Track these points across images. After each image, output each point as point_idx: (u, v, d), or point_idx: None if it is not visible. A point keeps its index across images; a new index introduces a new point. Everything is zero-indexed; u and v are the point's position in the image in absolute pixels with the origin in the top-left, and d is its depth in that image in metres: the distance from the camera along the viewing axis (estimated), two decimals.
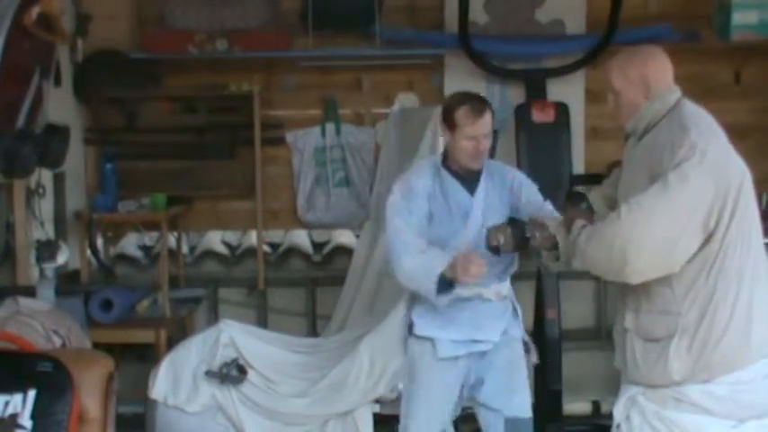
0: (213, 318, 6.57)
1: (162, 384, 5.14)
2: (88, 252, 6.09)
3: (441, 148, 5.62)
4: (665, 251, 3.34)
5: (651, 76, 3.57)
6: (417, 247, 4.02)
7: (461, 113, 4.03)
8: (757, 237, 3.50)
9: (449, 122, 4.08)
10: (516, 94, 6.28)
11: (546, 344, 5.42)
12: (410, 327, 4.32)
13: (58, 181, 5.84)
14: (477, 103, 4.07)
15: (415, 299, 4.28)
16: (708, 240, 3.37)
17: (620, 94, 3.63)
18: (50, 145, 4.90)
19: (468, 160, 4.09)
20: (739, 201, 3.39)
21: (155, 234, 6.70)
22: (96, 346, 4.93)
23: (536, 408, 5.62)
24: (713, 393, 3.43)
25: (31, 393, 3.48)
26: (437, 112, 5.72)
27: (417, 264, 4.00)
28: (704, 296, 3.40)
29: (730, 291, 3.40)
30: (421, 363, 4.27)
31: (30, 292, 4.94)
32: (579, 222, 3.65)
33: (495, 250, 3.91)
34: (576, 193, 4.37)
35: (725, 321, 3.39)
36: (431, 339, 4.24)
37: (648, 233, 3.32)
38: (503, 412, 4.25)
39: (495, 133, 5.78)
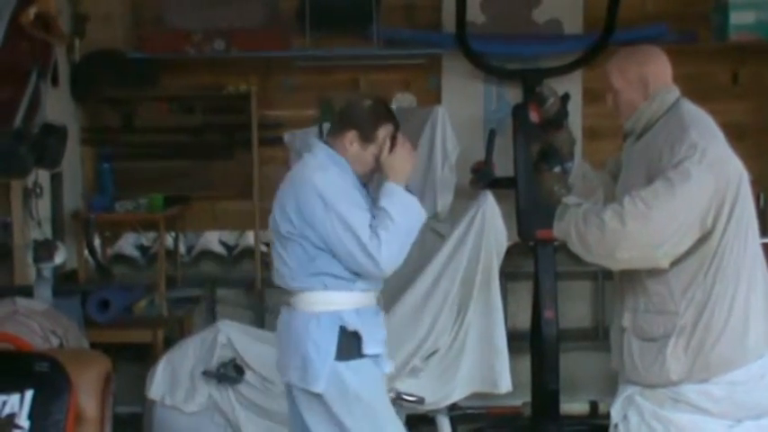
0: (210, 318, 6.55)
1: (159, 384, 5.14)
2: (85, 252, 6.09)
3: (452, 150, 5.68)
4: (657, 245, 3.37)
5: (650, 76, 3.59)
6: None
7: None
8: (754, 236, 3.51)
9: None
10: (514, 95, 6.28)
11: (543, 344, 5.43)
12: None
13: (56, 181, 5.83)
14: None
15: None
16: (705, 239, 3.39)
17: (618, 94, 3.64)
18: (48, 145, 4.88)
19: None
20: (737, 200, 3.40)
21: (152, 234, 6.69)
22: (93, 346, 4.92)
23: (534, 408, 5.65)
24: (710, 393, 3.44)
25: (29, 393, 3.48)
26: (435, 112, 5.77)
27: None
28: (701, 296, 3.41)
29: (728, 290, 3.41)
30: None
31: (27, 292, 4.94)
32: (573, 199, 3.69)
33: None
34: (538, 93, 4.43)
35: (722, 321, 3.40)
36: None
37: (646, 226, 3.35)
38: None
39: (493, 133, 5.83)
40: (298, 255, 3.75)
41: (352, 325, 3.73)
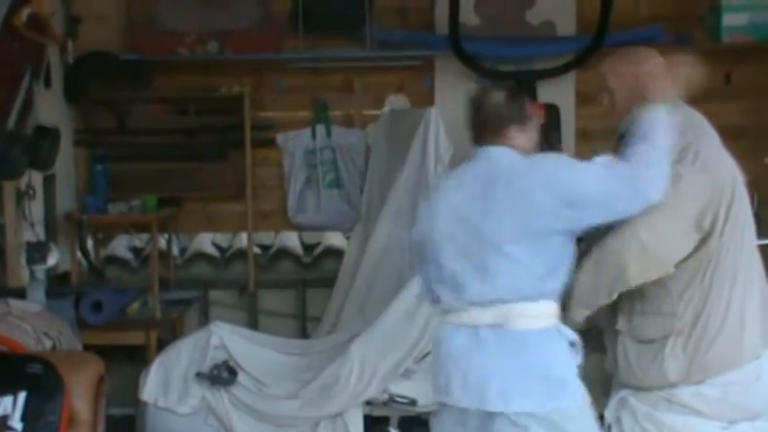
0: (204, 320, 6.56)
1: (152, 386, 5.13)
2: (78, 254, 6.08)
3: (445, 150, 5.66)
4: (659, 251, 3.35)
5: (645, 77, 3.59)
6: None
7: None
8: (750, 237, 3.51)
9: None
10: None
11: None
12: None
13: (49, 183, 5.83)
14: None
15: None
16: (704, 241, 3.38)
17: (614, 95, 3.64)
18: (41, 146, 4.89)
19: None
20: (733, 202, 3.40)
21: (145, 236, 6.69)
22: (86, 347, 4.91)
23: None
24: (704, 395, 3.43)
25: (22, 395, 3.47)
26: (428, 113, 5.76)
27: None
28: (699, 297, 3.40)
29: (724, 291, 3.40)
30: None
31: (20, 293, 4.93)
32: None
33: None
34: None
35: (719, 322, 3.40)
36: None
37: (645, 234, 3.33)
38: None
39: None
40: (550, 255, 3.41)
41: (571, 336, 3.58)
